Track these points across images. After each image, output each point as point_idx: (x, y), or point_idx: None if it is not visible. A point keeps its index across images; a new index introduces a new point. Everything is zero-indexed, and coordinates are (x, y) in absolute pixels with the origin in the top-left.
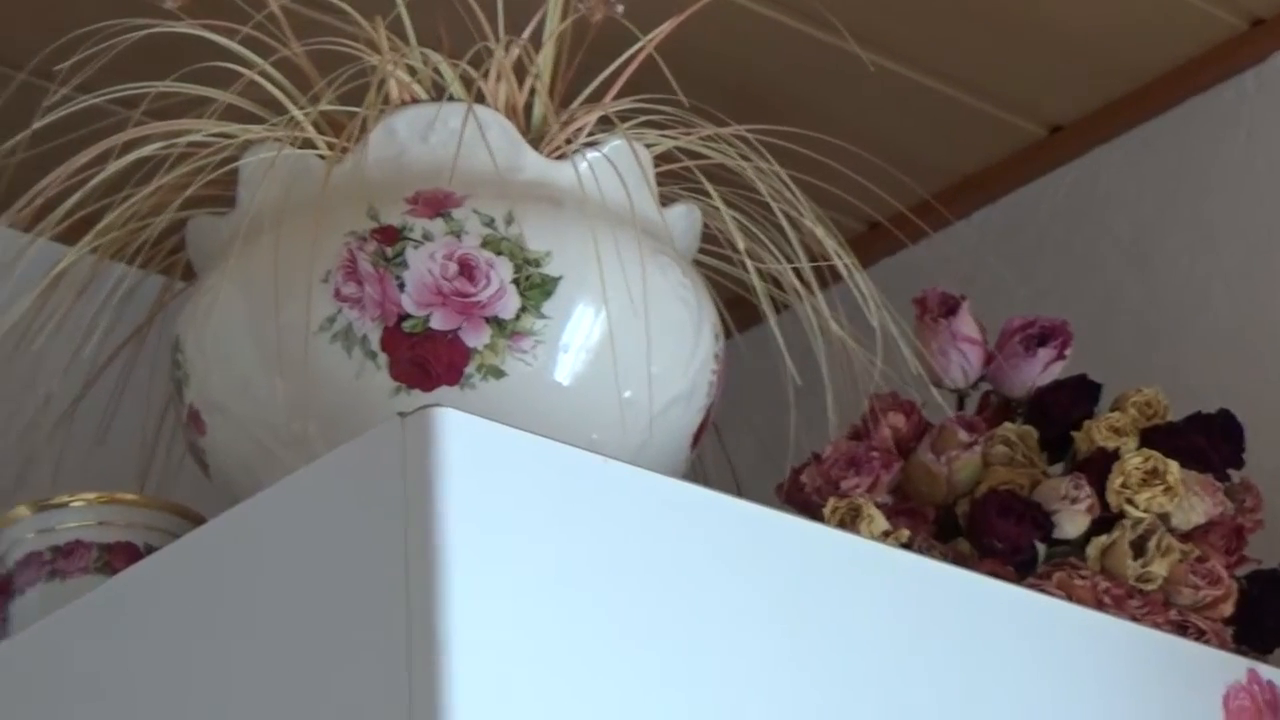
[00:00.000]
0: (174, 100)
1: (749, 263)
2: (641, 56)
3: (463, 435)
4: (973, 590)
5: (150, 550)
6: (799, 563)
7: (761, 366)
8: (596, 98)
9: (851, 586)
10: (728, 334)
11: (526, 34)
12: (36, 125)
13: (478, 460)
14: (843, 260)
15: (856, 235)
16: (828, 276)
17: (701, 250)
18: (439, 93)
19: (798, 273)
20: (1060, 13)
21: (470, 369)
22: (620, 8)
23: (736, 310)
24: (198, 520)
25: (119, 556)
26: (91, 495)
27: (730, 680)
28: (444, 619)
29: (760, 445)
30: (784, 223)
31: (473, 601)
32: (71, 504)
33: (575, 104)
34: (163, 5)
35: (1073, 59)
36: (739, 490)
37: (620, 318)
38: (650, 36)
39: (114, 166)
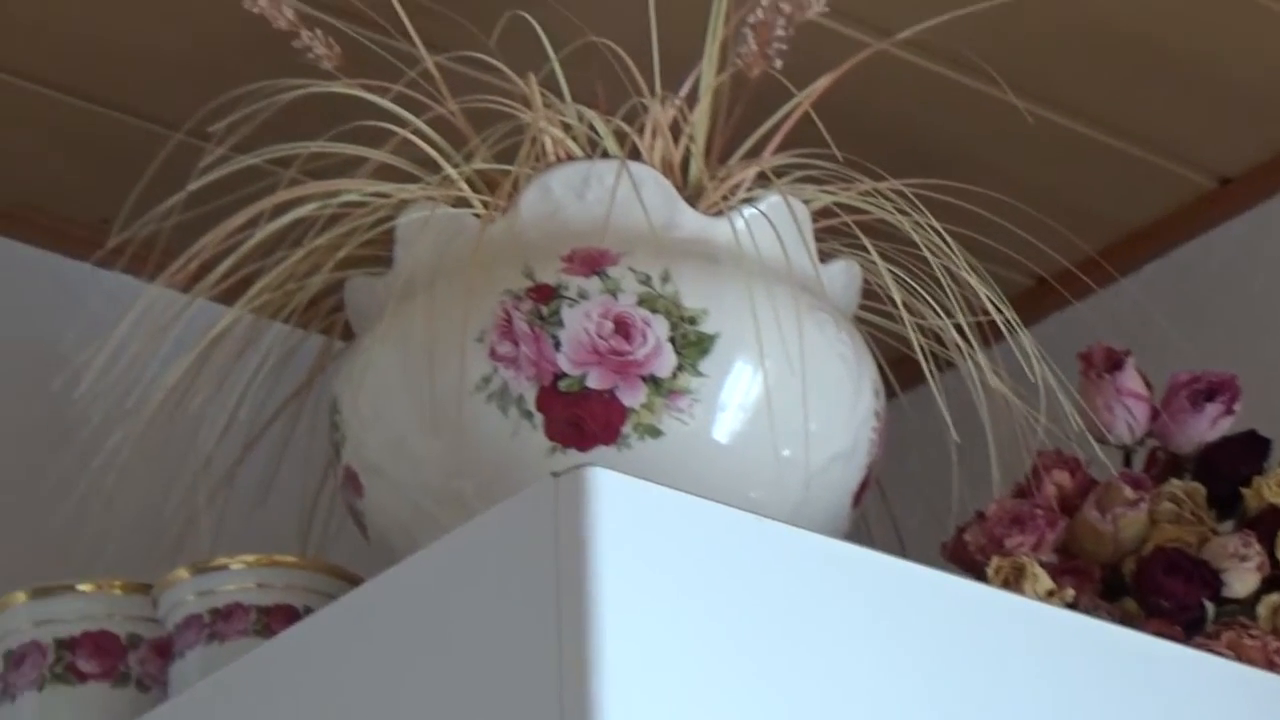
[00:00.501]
0: (329, 160)
1: (907, 317)
2: (799, 113)
3: (615, 494)
4: (1140, 650)
5: (309, 613)
6: (962, 623)
7: (927, 425)
8: (754, 153)
9: (1016, 647)
10: (892, 393)
11: (683, 91)
12: (192, 186)
13: (630, 519)
14: (1003, 315)
15: (1023, 291)
16: (988, 334)
17: (863, 307)
18: (594, 150)
19: (959, 328)
20: (1229, 63)
21: (627, 428)
22: (778, 63)
23: (901, 369)
24: (356, 582)
25: (277, 619)
26: (250, 558)
27: None
28: (596, 680)
29: (926, 504)
30: (944, 278)
31: (625, 662)
32: (231, 566)
33: (733, 160)
34: (319, 65)
35: (1242, 109)
36: (903, 549)
37: (778, 375)
38: (806, 92)
39: (270, 227)
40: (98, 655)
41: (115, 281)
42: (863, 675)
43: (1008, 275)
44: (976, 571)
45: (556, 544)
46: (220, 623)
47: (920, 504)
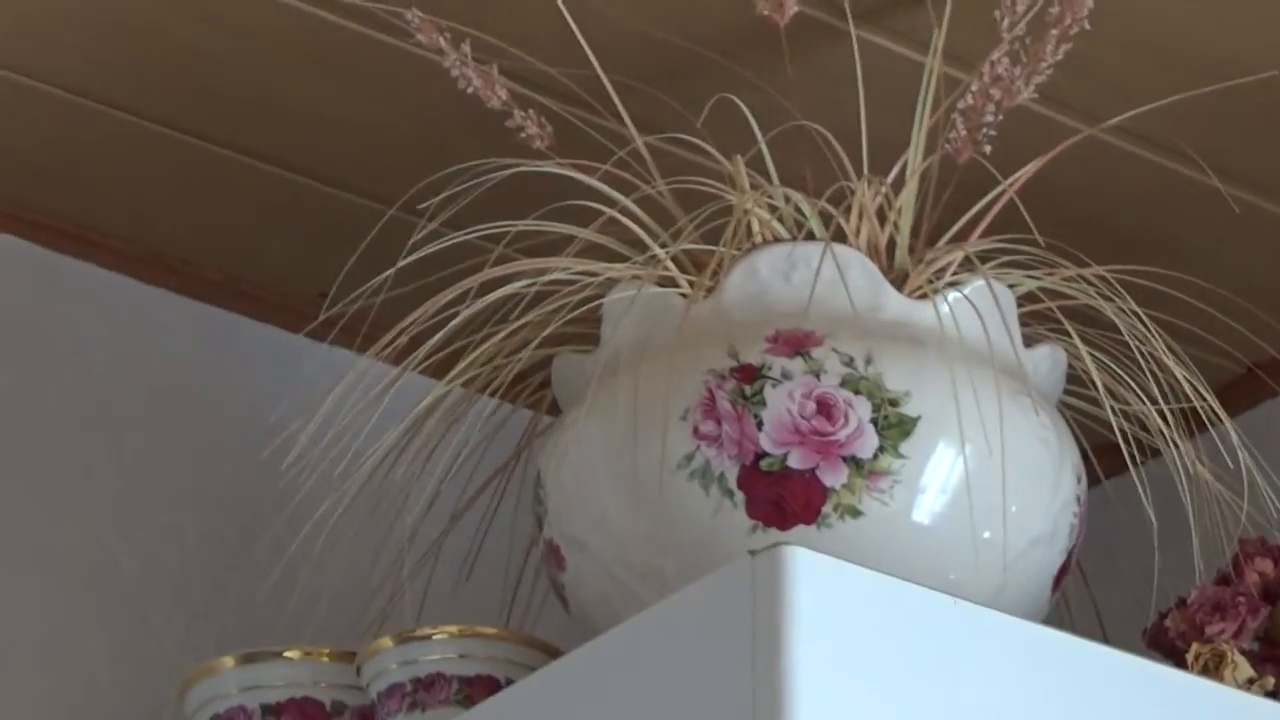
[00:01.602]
0: (537, 239)
1: (1108, 402)
2: (1005, 199)
3: (812, 573)
4: None
5: (510, 684)
6: (1161, 710)
7: (1131, 512)
8: (960, 237)
9: None
10: (1096, 480)
11: (891, 176)
12: (404, 261)
13: (826, 598)
14: (1205, 402)
15: (1234, 379)
16: (1193, 422)
17: (1067, 392)
18: (800, 232)
19: (1163, 416)
20: None
21: (827, 508)
22: (987, 148)
23: (1106, 458)
24: (556, 655)
25: (479, 689)
26: (453, 628)
27: None
28: None
29: (1128, 590)
30: (1146, 364)
31: None
32: (434, 637)
33: (940, 244)
34: (530, 144)
35: None
36: (1104, 635)
37: (978, 458)
38: (1013, 178)
39: (479, 303)
40: None
41: (329, 354)
42: None
43: (1218, 363)
44: (1176, 657)
45: (754, 621)
46: (422, 692)
47: (1121, 590)
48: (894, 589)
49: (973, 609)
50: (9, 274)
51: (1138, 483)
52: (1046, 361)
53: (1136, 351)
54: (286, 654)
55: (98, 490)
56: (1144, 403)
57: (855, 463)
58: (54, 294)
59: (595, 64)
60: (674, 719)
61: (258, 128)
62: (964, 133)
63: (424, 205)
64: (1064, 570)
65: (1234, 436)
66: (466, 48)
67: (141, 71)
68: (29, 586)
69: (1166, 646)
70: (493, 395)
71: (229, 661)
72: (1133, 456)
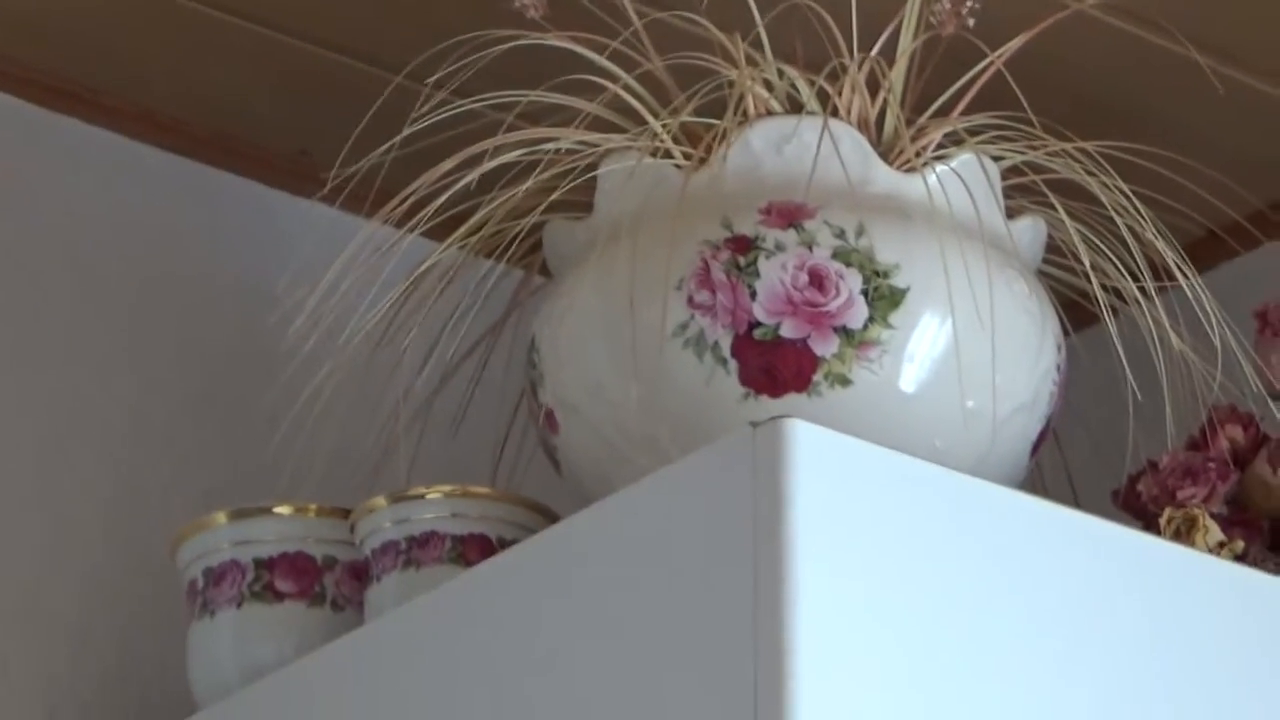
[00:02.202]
0: (533, 108)
1: (1094, 278)
2: (990, 72)
3: (812, 446)
4: None
5: (502, 542)
6: (1136, 575)
7: (1097, 366)
8: (945, 110)
9: (1186, 599)
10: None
11: (876, 49)
12: (408, 130)
13: (826, 471)
14: (1187, 277)
15: (1193, 241)
16: (1165, 281)
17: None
18: (792, 106)
19: (1143, 290)
20: None
21: (818, 377)
22: (971, 21)
23: (1071, 311)
24: (547, 514)
25: (472, 548)
26: (446, 488)
27: (1067, 686)
28: (791, 630)
29: (1093, 442)
30: (1127, 236)
31: (819, 612)
32: (428, 496)
33: (924, 117)
34: (526, 14)
35: None
36: (1074, 492)
37: (966, 329)
38: (1000, 52)
39: (480, 169)
40: (294, 575)
41: (309, 210)
42: (1039, 625)
43: (1180, 225)
44: (1147, 519)
45: (754, 491)
46: (417, 549)
47: (1087, 442)
48: (890, 460)
49: (966, 480)
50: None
51: (1118, 351)
52: (1029, 233)
53: (1120, 225)
54: (277, 510)
55: (85, 345)
56: (1124, 276)
57: (846, 333)
58: (45, 150)
59: None
60: (675, 586)
61: None
62: (949, 6)
63: (432, 79)
64: (1042, 436)
65: (1211, 310)
66: None
67: None
68: (17, 441)
69: (1138, 509)
70: (489, 257)
71: (221, 517)
72: (1112, 330)
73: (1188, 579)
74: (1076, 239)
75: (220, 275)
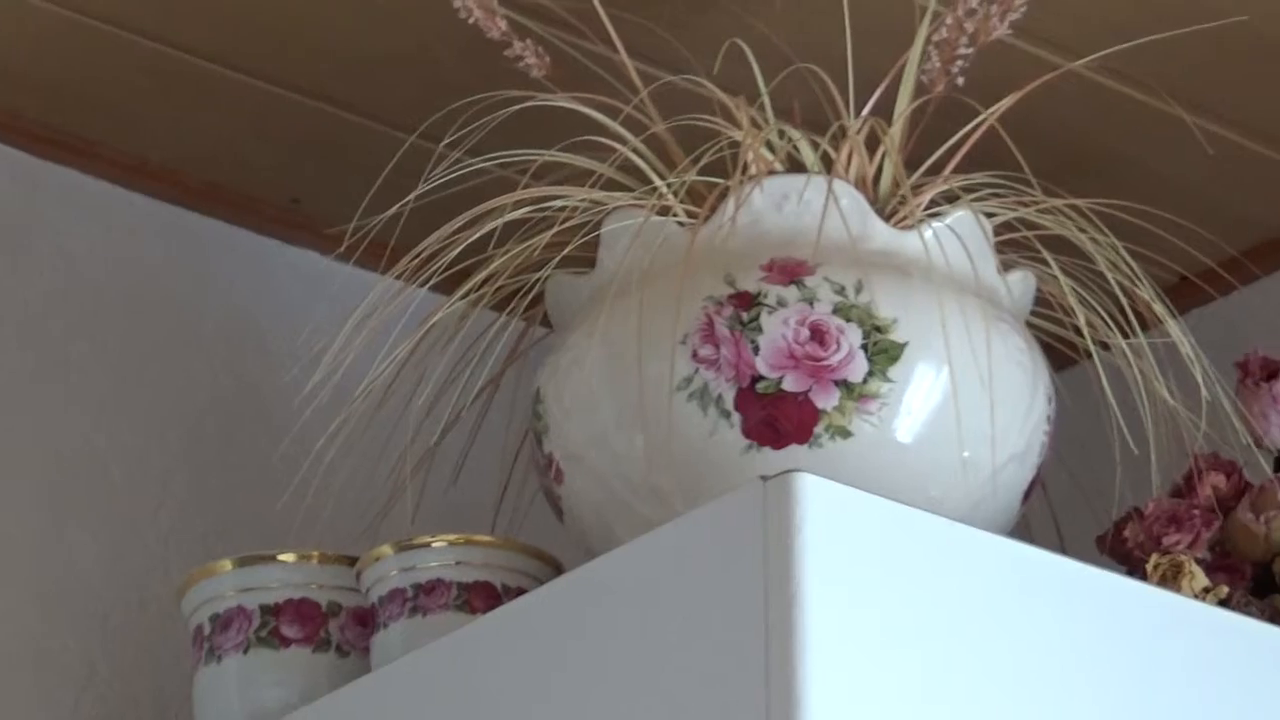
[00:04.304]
0: (528, 165)
1: (1086, 333)
2: (983, 129)
3: (820, 498)
4: None
5: (507, 589)
6: (1125, 619)
7: (1077, 407)
8: (938, 167)
9: (1174, 643)
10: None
11: (869, 108)
12: (422, 188)
13: (832, 522)
14: (1179, 333)
15: (1169, 287)
16: (1153, 334)
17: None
18: (792, 165)
19: (1125, 336)
20: None
21: (819, 429)
22: (960, 80)
23: (1049, 352)
24: (551, 562)
25: (477, 595)
26: (451, 536)
27: None
28: (803, 679)
29: (1075, 485)
30: (1118, 291)
31: (828, 659)
32: (433, 544)
33: (918, 174)
34: (529, 73)
35: None
36: (1060, 537)
37: (962, 381)
38: (992, 110)
39: (489, 225)
40: (300, 621)
41: (299, 256)
42: (1033, 668)
43: (1157, 273)
44: (1132, 564)
45: (765, 543)
46: (423, 597)
47: (1068, 481)
48: (891, 511)
49: (966, 531)
50: None
51: (1113, 407)
52: (1020, 286)
53: (1114, 283)
54: (281, 557)
55: (84, 393)
56: (1111, 330)
57: (846, 386)
58: (40, 199)
59: None
60: (687, 636)
61: (245, 43)
62: (939, 65)
63: (447, 141)
64: (1033, 484)
65: (1198, 363)
66: None
67: None
68: (17, 487)
69: (1124, 554)
70: (496, 310)
71: (226, 564)
72: (1103, 384)
73: (1174, 624)
74: (1069, 295)
75: (213, 322)
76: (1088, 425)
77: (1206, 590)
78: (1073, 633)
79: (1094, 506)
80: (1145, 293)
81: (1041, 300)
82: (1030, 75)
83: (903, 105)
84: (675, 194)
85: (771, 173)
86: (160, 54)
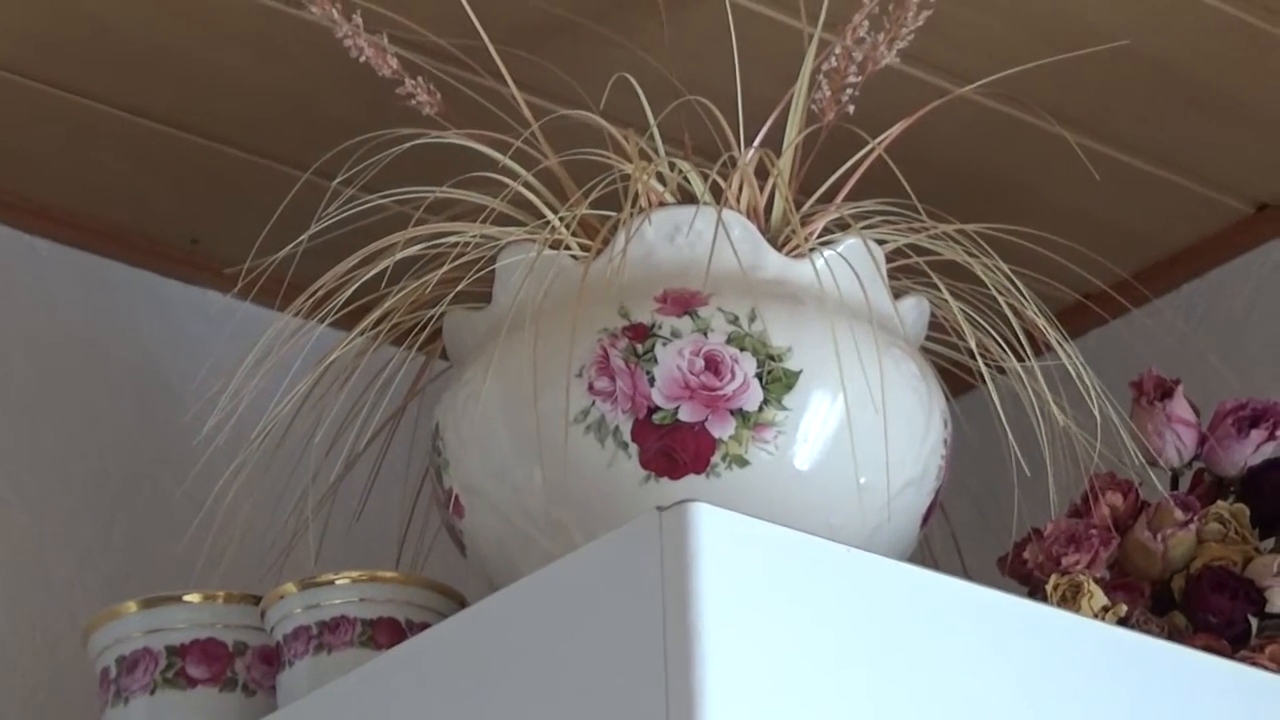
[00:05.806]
0: (418, 201)
1: (979, 357)
2: (872, 158)
3: (715, 528)
4: (1188, 664)
5: (411, 625)
6: (1025, 641)
7: (975, 430)
8: (830, 195)
9: (1074, 662)
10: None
11: (760, 139)
12: (316, 227)
13: (729, 551)
14: (1069, 355)
15: (1062, 309)
16: (1045, 356)
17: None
18: (684, 196)
19: (1029, 371)
20: (1267, 96)
21: (716, 458)
22: (851, 109)
23: (947, 377)
24: (454, 596)
25: (381, 631)
26: (355, 573)
27: None
28: (703, 712)
29: (975, 504)
30: (1009, 314)
31: (727, 686)
32: (337, 582)
33: (809, 203)
34: (420, 111)
35: (1277, 141)
36: (961, 559)
37: (857, 407)
38: (880, 139)
39: (383, 262)
40: (206, 661)
41: (201, 296)
42: (931, 691)
43: (1051, 295)
44: (1033, 584)
45: (662, 573)
46: (328, 634)
47: (969, 505)
48: (788, 539)
49: (860, 555)
50: None
51: (1003, 423)
52: (913, 312)
53: (1004, 305)
54: (186, 598)
55: None
56: (1006, 352)
57: (742, 415)
58: None
59: (481, 31)
60: (587, 665)
61: (141, 87)
62: (829, 94)
63: (339, 179)
64: (931, 508)
65: (1090, 383)
66: (358, 19)
67: (32, 32)
68: None
69: (1024, 575)
70: (395, 345)
71: (131, 606)
72: (998, 409)
73: (1074, 643)
74: (960, 318)
75: (116, 364)
76: (987, 449)
77: (1106, 609)
78: (973, 656)
79: (995, 529)
80: (1035, 315)
81: (937, 326)
82: (921, 101)
83: (792, 135)
84: (568, 227)
85: (662, 204)
86: (58, 99)
